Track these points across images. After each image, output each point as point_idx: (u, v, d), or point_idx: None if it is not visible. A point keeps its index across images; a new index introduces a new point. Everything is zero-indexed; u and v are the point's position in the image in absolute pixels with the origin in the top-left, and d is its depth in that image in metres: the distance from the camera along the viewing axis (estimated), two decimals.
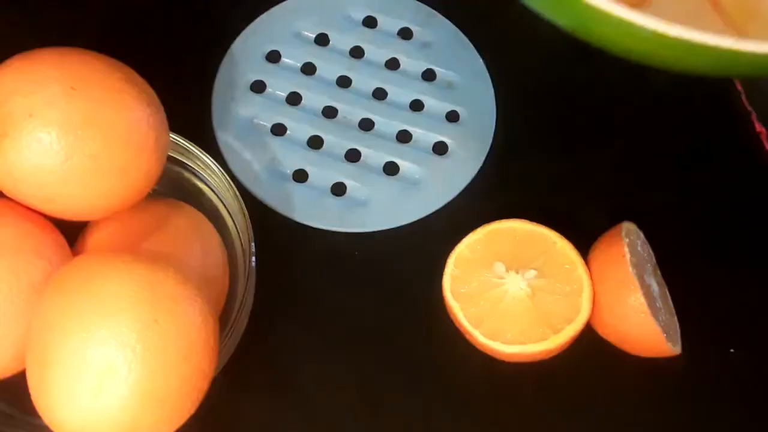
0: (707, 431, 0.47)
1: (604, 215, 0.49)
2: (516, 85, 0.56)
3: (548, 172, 0.53)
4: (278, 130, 0.54)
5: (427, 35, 0.58)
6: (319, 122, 0.54)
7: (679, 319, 0.47)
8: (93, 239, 0.44)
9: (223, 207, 0.48)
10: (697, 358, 0.47)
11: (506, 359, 0.45)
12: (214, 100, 0.55)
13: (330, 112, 0.55)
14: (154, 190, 0.43)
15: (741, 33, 0.37)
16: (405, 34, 0.58)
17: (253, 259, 0.44)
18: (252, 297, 0.45)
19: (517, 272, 0.46)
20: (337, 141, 0.54)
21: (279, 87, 0.56)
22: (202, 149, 0.47)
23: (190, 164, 0.48)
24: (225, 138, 0.54)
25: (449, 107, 0.55)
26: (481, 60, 0.57)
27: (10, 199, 0.40)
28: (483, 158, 0.53)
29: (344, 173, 0.53)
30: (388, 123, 0.55)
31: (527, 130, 0.55)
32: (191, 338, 0.36)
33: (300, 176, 0.53)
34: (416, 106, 0.55)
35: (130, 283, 0.36)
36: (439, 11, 0.58)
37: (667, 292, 0.47)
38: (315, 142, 0.54)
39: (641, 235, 0.48)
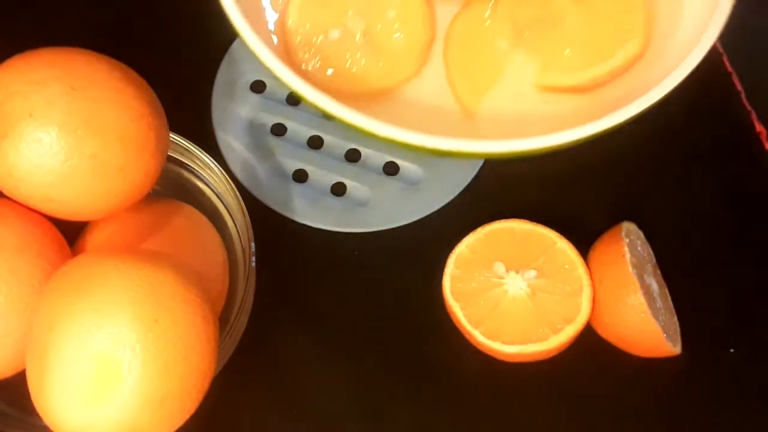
0: (707, 431, 0.47)
1: (604, 215, 0.49)
2: None
3: (548, 172, 0.53)
4: (278, 130, 0.54)
5: None
6: (319, 122, 0.54)
7: (679, 319, 0.47)
8: (93, 239, 0.44)
9: (223, 207, 0.48)
10: (697, 358, 0.47)
11: (506, 359, 0.45)
12: (214, 100, 0.55)
13: None
14: (154, 190, 0.43)
15: (471, 116, 0.43)
16: None
17: (253, 259, 0.44)
18: (252, 297, 0.45)
19: (517, 272, 0.46)
20: (337, 141, 0.54)
21: (279, 87, 0.56)
22: (202, 149, 0.47)
23: (190, 164, 0.48)
24: (225, 138, 0.54)
25: None
26: None
27: (10, 199, 0.40)
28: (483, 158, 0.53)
29: (344, 173, 0.53)
30: None
31: None
32: (191, 338, 0.36)
33: (300, 176, 0.53)
34: None
35: (130, 283, 0.36)
36: None
37: (667, 292, 0.47)
38: (315, 142, 0.54)
39: (641, 235, 0.48)
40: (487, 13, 0.45)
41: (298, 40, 0.45)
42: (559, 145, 0.40)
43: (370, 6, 0.45)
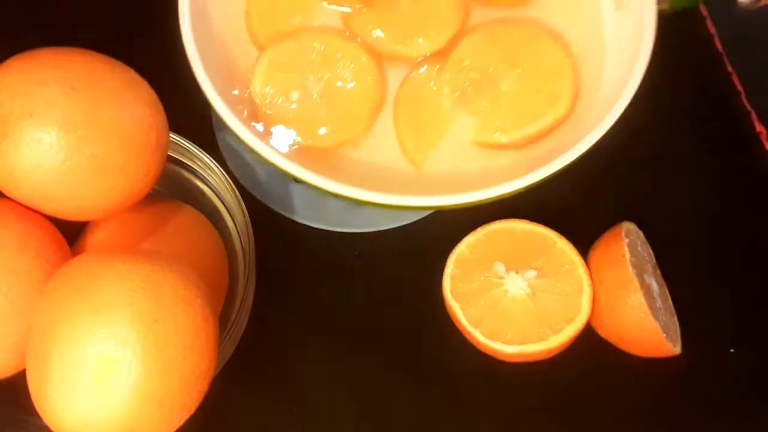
0: (707, 431, 0.47)
1: (604, 215, 0.49)
2: None
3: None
4: None
5: None
6: None
7: (679, 319, 0.47)
8: (93, 239, 0.44)
9: (223, 207, 0.48)
10: (697, 358, 0.47)
11: (506, 359, 0.45)
12: None
13: None
14: (154, 190, 0.43)
15: (418, 170, 0.48)
16: None
17: (253, 259, 0.44)
18: (252, 297, 0.45)
19: (517, 272, 0.46)
20: None
21: None
22: (202, 149, 0.47)
23: (190, 164, 0.48)
24: (225, 138, 0.54)
25: None
26: None
27: (10, 199, 0.40)
28: None
29: None
30: None
31: None
32: (191, 338, 0.36)
33: None
34: None
35: (130, 283, 0.36)
36: None
37: (667, 292, 0.47)
38: None
39: (641, 235, 0.48)
40: (432, 77, 0.50)
41: (260, 100, 0.49)
42: (497, 197, 0.44)
43: (327, 70, 0.49)
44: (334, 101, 0.49)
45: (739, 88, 0.56)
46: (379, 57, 0.50)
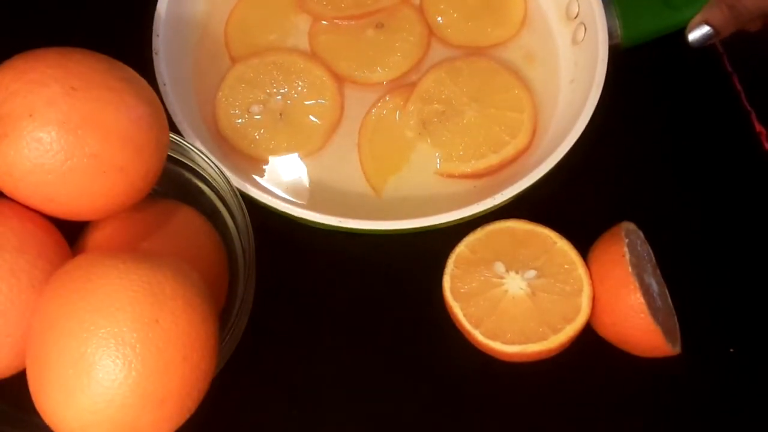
0: (707, 431, 0.47)
1: (604, 215, 0.49)
2: None
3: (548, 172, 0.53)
4: None
5: None
6: None
7: (679, 319, 0.47)
8: (93, 239, 0.44)
9: (223, 207, 0.48)
10: (697, 358, 0.47)
11: (506, 359, 0.45)
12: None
13: None
14: (154, 190, 0.43)
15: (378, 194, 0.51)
16: None
17: (253, 259, 0.44)
18: (252, 297, 0.45)
19: (517, 272, 0.46)
20: None
21: None
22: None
23: (190, 164, 0.48)
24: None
25: None
26: None
27: (11, 199, 0.40)
28: None
29: None
30: None
31: None
32: (191, 338, 0.36)
33: None
34: None
35: (130, 283, 0.36)
36: None
37: (667, 292, 0.47)
38: None
39: (641, 234, 0.48)
40: (398, 108, 0.53)
41: (223, 116, 0.52)
42: (455, 221, 0.47)
43: (287, 86, 0.53)
44: (292, 116, 0.52)
45: (739, 88, 0.56)
46: (339, 79, 0.54)
